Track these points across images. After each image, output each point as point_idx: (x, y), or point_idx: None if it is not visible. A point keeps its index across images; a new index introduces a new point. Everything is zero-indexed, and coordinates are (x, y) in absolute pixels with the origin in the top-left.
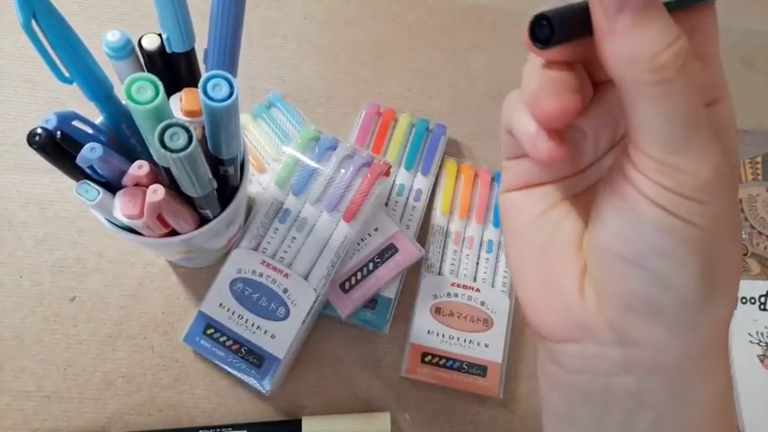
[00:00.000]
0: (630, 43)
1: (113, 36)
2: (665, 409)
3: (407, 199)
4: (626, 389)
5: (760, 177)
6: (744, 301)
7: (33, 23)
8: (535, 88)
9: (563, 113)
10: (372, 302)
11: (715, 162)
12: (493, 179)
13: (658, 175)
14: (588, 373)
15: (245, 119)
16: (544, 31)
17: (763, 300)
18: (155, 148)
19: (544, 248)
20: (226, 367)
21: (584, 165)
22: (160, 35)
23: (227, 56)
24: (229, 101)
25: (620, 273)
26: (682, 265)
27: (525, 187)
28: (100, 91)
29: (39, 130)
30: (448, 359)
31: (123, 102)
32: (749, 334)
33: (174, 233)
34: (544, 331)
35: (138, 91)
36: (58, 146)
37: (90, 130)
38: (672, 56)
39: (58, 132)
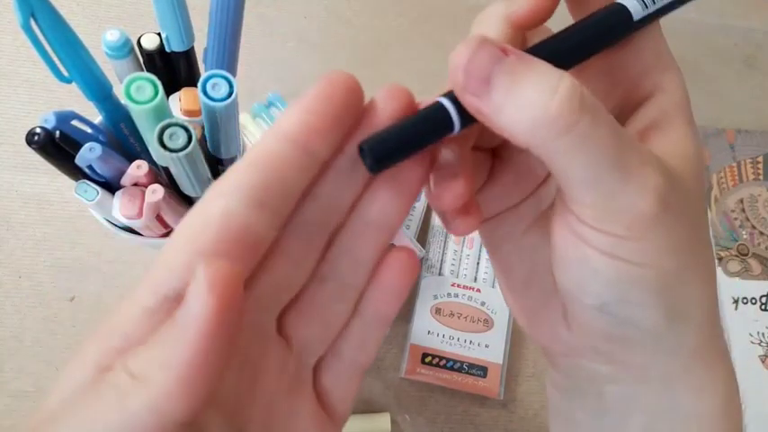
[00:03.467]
0: (514, 111)
1: (112, 35)
2: (657, 415)
3: None
4: (618, 395)
5: (761, 177)
6: (745, 301)
7: (32, 23)
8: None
9: (454, 204)
10: None
11: (655, 186)
12: None
13: (601, 222)
14: (583, 380)
15: (244, 118)
16: (366, 160)
17: (764, 300)
18: (154, 147)
19: (527, 281)
20: None
21: (536, 182)
22: (159, 34)
23: (227, 55)
24: (229, 100)
25: (589, 316)
26: (647, 306)
27: (495, 215)
28: (99, 90)
29: (38, 130)
30: (448, 360)
31: (122, 101)
32: (750, 334)
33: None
34: (541, 348)
35: (137, 90)
36: (57, 145)
37: (89, 130)
38: (562, 101)
39: (57, 132)
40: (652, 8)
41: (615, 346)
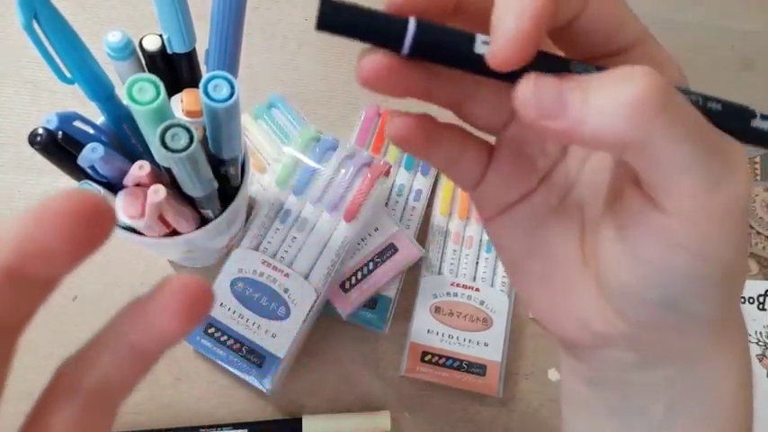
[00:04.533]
0: (598, 114)
1: (114, 37)
2: (681, 396)
3: (407, 199)
4: (643, 381)
5: (759, 177)
6: (742, 300)
7: (35, 24)
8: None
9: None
10: (372, 302)
11: (745, 169)
12: None
13: (697, 215)
14: (606, 369)
15: (245, 119)
16: (319, 13)
17: (761, 300)
18: (156, 148)
19: (545, 277)
20: (226, 366)
21: (542, 171)
22: (161, 36)
23: (228, 56)
24: (230, 101)
25: (646, 311)
26: (712, 300)
27: (501, 212)
28: (101, 91)
29: (40, 131)
30: (448, 358)
31: (124, 102)
32: (748, 334)
33: (175, 233)
34: (561, 341)
35: (139, 91)
36: (59, 146)
37: (91, 131)
38: (646, 84)
39: (60, 133)
40: None
41: (658, 335)
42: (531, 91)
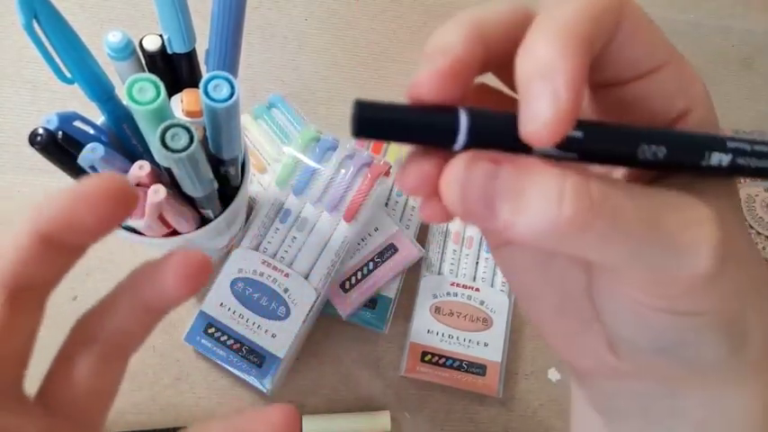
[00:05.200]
0: (526, 225)
1: (114, 37)
2: (704, 424)
3: (407, 199)
4: (666, 410)
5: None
6: None
7: (35, 24)
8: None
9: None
10: (372, 302)
11: (706, 243)
12: None
13: (654, 290)
14: (627, 399)
15: (245, 119)
16: (353, 122)
17: None
18: (156, 148)
19: (560, 309)
20: (226, 366)
21: None
22: (161, 36)
23: (228, 57)
24: (230, 101)
25: (647, 355)
26: (707, 345)
27: (504, 243)
28: (101, 91)
29: (40, 131)
30: (447, 358)
31: (124, 102)
32: None
33: (175, 233)
34: (576, 371)
35: (139, 91)
36: (59, 146)
37: (91, 131)
38: (573, 205)
39: (60, 133)
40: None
41: (673, 371)
42: (458, 186)
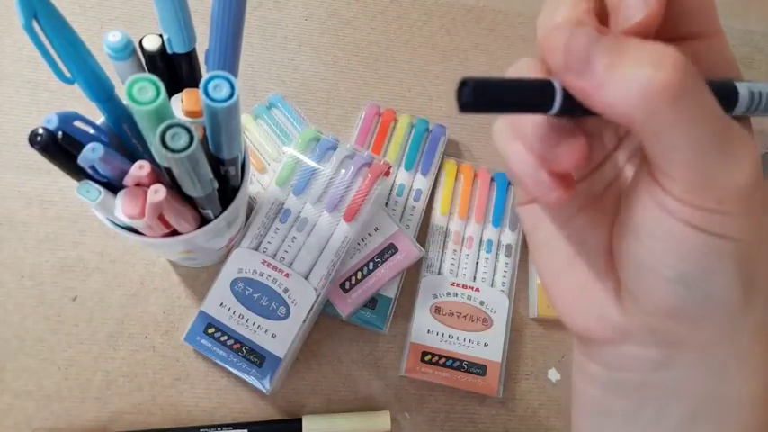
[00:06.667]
0: (618, 85)
1: (114, 37)
2: (701, 402)
3: (407, 199)
4: (663, 383)
5: None
6: None
7: (35, 24)
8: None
9: (576, 165)
10: (372, 302)
11: (752, 161)
12: (492, 179)
13: (693, 196)
14: (626, 370)
15: (245, 119)
16: (461, 96)
17: None
18: (156, 148)
19: (573, 260)
20: (226, 366)
21: (595, 164)
22: (161, 36)
23: (228, 57)
24: (230, 101)
25: (663, 291)
26: (727, 278)
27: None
28: (101, 91)
29: (40, 131)
30: (447, 358)
31: (124, 102)
32: None
33: (175, 233)
34: (581, 335)
35: (139, 91)
36: (59, 146)
37: (91, 131)
38: (669, 72)
39: (60, 133)
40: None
41: (680, 324)
42: (563, 41)
